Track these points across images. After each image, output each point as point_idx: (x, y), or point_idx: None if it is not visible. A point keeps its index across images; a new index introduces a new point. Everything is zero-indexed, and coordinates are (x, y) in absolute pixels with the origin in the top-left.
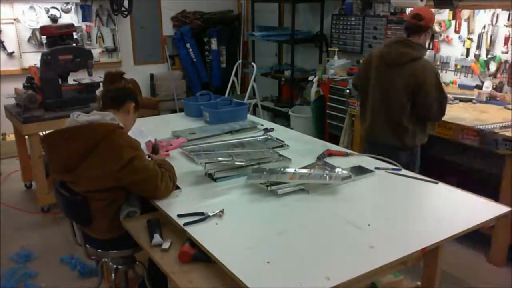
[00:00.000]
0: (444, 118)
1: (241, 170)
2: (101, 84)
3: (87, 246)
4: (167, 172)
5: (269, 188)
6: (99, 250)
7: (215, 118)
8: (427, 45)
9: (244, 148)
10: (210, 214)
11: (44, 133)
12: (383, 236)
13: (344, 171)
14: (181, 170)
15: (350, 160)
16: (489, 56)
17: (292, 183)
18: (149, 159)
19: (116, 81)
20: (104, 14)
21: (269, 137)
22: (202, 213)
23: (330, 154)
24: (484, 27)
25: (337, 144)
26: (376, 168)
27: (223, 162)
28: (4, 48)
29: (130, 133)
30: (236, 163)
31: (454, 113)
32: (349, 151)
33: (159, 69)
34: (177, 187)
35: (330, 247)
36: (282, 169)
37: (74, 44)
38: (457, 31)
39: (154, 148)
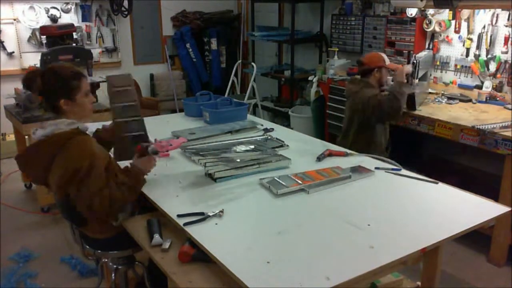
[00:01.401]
0: (444, 118)
1: (240, 170)
2: (101, 84)
3: (87, 246)
4: (118, 191)
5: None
6: (99, 251)
7: (215, 118)
8: (384, 81)
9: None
10: (210, 214)
11: None
12: (383, 236)
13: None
14: (181, 170)
15: (350, 160)
16: (489, 56)
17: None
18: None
19: (33, 83)
20: (104, 14)
21: (269, 137)
22: (202, 213)
23: (330, 154)
24: (484, 27)
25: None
26: (376, 168)
27: (223, 162)
28: (4, 48)
29: None
30: (236, 163)
31: (454, 113)
32: (349, 151)
33: (159, 69)
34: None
35: (330, 247)
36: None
37: (74, 44)
38: (457, 31)
39: (143, 150)
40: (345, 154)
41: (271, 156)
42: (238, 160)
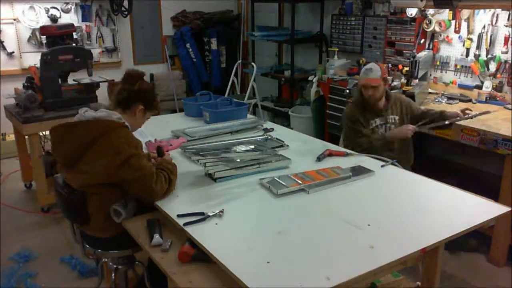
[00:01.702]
0: None
1: (240, 170)
2: (101, 84)
3: (87, 246)
4: (163, 173)
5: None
6: (99, 250)
7: (215, 118)
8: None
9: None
10: (210, 214)
11: (44, 133)
12: (383, 236)
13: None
14: (181, 170)
15: (350, 160)
16: (489, 56)
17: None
18: (151, 160)
19: (134, 81)
20: (104, 14)
21: (269, 137)
22: (202, 213)
23: (330, 154)
24: (484, 27)
25: (337, 144)
26: (382, 166)
27: (223, 162)
28: (4, 48)
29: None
30: (236, 163)
31: None
32: (348, 151)
33: (159, 69)
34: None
35: (330, 247)
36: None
37: (74, 44)
38: (457, 31)
39: (159, 149)
40: (345, 154)
41: (271, 156)
42: (238, 160)
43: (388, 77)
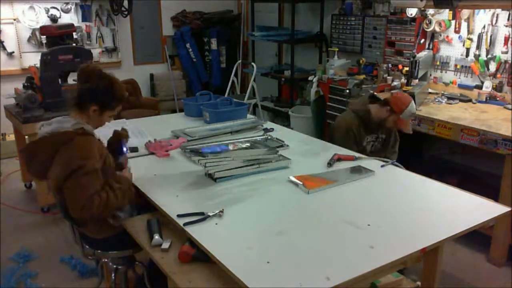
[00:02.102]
0: (444, 118)
1: (240, 170)
2: None
3: (87, 246)
4: (100, 197)
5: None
6: (99, 251)
7: (215, 118)
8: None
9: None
10: (210, 214)
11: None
12: (383, 236)
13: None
14: (181, 170)
15: (355, 163)
16: (489, 56)
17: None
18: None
19: (88, 79)
20: (104, 14)
21: (269, 137)
22: (202, 213)
23: (339, 158)
24: (484, 27)
25: None
26: (382, 166)
27: (223, 162)
28: (4, 48)
29: (131, 133)
30: (236, 163)
31: (454, 113)
32: (357, 154)
33: (159, 69)
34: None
35: (330, 247)
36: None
37: (74, 44)
38: (457, 31)
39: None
40: (354, 159)
41: (271, 156)
42: (233, 160)
43: (388, 77)
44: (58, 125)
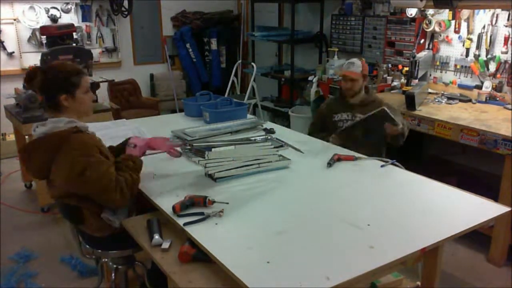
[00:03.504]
0: (444, 118)
1: (241, 170)
2: (101, 85)
3: (87, 246)
4: (123, 176)
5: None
6: (99, 250)
7: (215, 118)
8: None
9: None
10: (210, 214)
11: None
12: (383, 236)
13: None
14: (181, 170)
15: (358, 164)
16: (489, 56)
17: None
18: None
19: (34, 78)
20: (104, 14)
21: (269, 137)
22: (202, 213)
23: (339, 158)
24: (484, 27)
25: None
26: (382, 166)
27: (223, 162)
28: (4, 48)
29: (131, 133)
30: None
31: (454, 113)
32: (357, 154)
33: (159, 69)
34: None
35: (330, 247)
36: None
37: (74, 44)
38: (456, 31)
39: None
40: (354, 159)
41: (271, 156)
42: (238, 161)
43: (388, 77)
44: (52, 125)
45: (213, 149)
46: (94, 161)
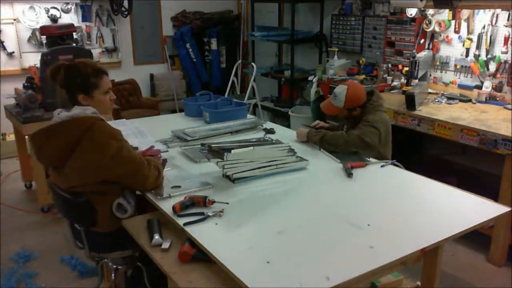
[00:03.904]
0: (444, 118)
1: (258, 171)
2: None
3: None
4: (152, 161)
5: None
6: (100, 254)
7: (215, 118)
8: None
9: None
10: (210, 214)
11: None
12: (383, 236)
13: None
14: (181, 170)
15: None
16: (489, 56)
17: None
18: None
19: (57, 75)
20: (104, 14)
21: (268, 139)
22: (202, 213)
23: (352, 166)
24: (484, 27)
25: None
26: (382, 166)
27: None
28: (4, 48)
29: (131, 133)
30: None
31: (454, 113)
32: (367, 159)
33: (159, 69)
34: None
35: (330, 247)
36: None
37: (74, 44)
38: (456, 31)
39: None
40: (365, 165)
41: (289, 157)
42: (256, 161)
43: (388, 77)
44: (81, 110)
45: (232, 151)
46: (126, 144)
